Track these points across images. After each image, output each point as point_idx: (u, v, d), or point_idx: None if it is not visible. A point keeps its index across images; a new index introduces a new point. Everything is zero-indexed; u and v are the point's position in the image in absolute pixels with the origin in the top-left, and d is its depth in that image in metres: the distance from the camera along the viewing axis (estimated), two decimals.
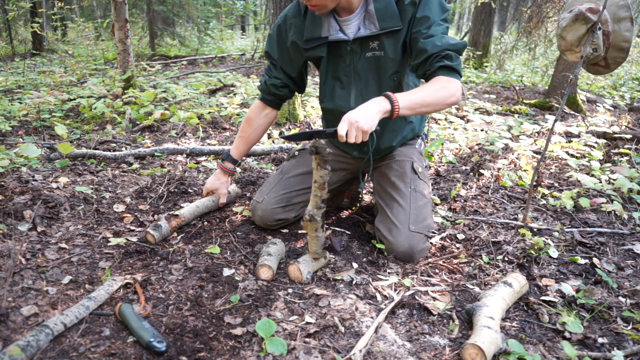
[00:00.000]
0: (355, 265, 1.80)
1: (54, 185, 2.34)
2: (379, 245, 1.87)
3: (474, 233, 2.10)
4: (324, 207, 1.60)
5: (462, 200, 2.48)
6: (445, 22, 1.71)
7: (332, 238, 1.79)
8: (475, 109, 4.82)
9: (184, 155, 3.02)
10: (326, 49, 1.81)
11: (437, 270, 1.80)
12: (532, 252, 1.89)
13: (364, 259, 1.86)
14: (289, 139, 1.61)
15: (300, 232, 2.06)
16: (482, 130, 3.73)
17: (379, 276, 1.73)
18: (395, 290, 1.65)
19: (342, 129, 1.50)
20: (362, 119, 1.49)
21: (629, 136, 3.54)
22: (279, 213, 1.98)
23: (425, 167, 2.08)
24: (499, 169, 2.97)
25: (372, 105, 1.54)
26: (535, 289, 1.69)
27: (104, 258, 1.75)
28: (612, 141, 3.65)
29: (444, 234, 2.08)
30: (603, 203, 2.38)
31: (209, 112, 4.03)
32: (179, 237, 1.94)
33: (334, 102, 1.91)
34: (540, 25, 6.24)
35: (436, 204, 2.42)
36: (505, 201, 2.51)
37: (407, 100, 1.58)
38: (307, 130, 1.59)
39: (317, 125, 3.87)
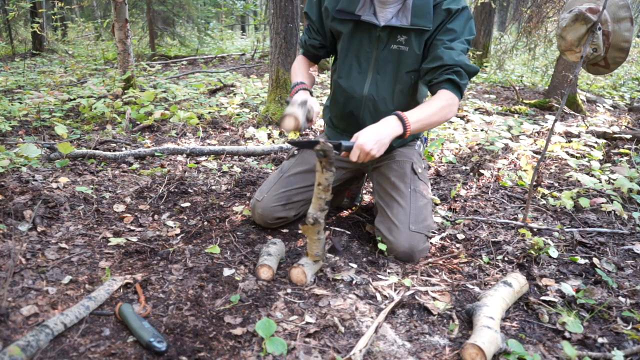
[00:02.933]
0: (355, 265, 1.80)
1: (54, 185, 2.34)
2: (380, 245, 1.86)
3: (474, 233, 2.10)
4: (327, 209, 1.59)
5: (462, 200, 2.48)
6: (468, 43, 1.76)
7: (332, 238, 1.79)
8: (475, 109, 4.83)
9: (184, 155, 3.02)
10: (352, 26, 1.82)
11: (437, 270, 1.80)
12: (532, 252, 1.89)
13: (364, 259, 1.86)
14: (295, 144, 1.62)
15: (300, 231, 2.06)
16: (482, 130, 3.73)
17: (379, 276, 1.73)
18: (395, 290, 1.65)
19: (354, 155, 1.55)
20: (376, 148, 1.54)
21: (629, 136, 3.54)
22: (279, 211, 1.98)
23: (425, 168, 2.09)
24: (499, 169, 2.97)
25: (386, 130, 1.58)
26: (535, 289, 1.69)
27: (104, 258, 1.75)
28: (612, 141, 3.65)
29: (444, 234, 2.08)
30: (603, 203, 2.38)
31: (209, 112, 4.03)
32: (179, 237, 1.94)
33: (349, 83, 1.91)
34: (540, 25, 6.24)
35: (436, 204, 2.43)
36: (505, 201, 2.51)
37: (418, 121, 1.65)
38: (312, 139, 1.58)
39: (317, 125, 3.87)
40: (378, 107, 1.89)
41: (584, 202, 2.34)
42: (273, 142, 3.41)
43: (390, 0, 1.76)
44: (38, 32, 7.62)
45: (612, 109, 5.35)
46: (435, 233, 2.08)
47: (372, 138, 1.55)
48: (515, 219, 2.27)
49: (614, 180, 2.67)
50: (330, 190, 1.56)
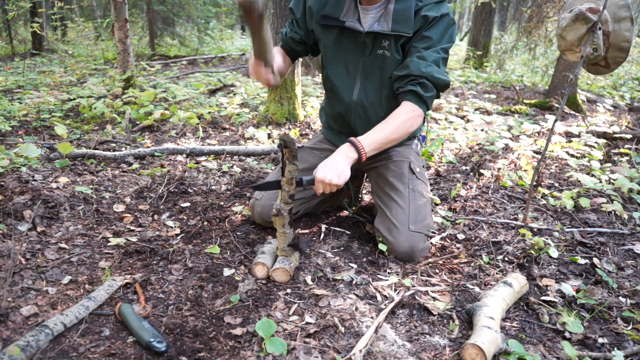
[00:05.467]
0: (355, 265, 1.80)
1: (53, 185, 2.34)
2: (381, 246, 1.86)
3: (474, 233, 2.10)
4: (291, 202, 1.61)
5: (462, 200, 2.48)
6: (445, 52, 1.73)
7: (300, 237, 1.74)
8: (476, 109, 4.82)
9: (184, 155, 3.02)
10: (337, 32, 1.81)
11: (437, 270, 1.80)
12: (532, 252, 1.89)
13: (364, 259, 1.86)
14: (259, 188, 1.70)
15: (300, 232, 2.06)
16: (482, 130, 3.73)
17: (379, 276, 1.73)
18: (395, 290, 1.65)
19: (318, 189, 1.61)
20: (335, 177, 1.58)
21: (629, 136, 3.54)
22: None
23: (423, 166, 2.08)
24: (499, 169, 2.97)
25: (341, 159, 1.62)
26: (535, 289, 1.69)
27: (104, 258, 1.75)
28: (612, 141, 3.65)
29: (444, 234, 2.08)
30: (603, 203, 2.38)
31: (209, 112, 4.03)
32: (179, 237, 1.94)
33: (339, 88, 1.91)
34: (540, 25, 6.23)
35: (436, 204, 2.42)
36: (505, 201, 2.51)
37: (373, 143, 1.67)
38: (278, 179, 1.65)
39: (317, 125, 3.86)
40: (368, 112, 1.90)
41: (584, 202, 2.34)
42: (273, 142, 3.41)
43: (372, 6, 1.74)
44: (38, 31, 7.60)
45: (612, 108, 5.35)
46: (435, 233, 2.08)
47: (329, 169, 1.59)
48: (516, 219, 2.27)
49: (614, 180, 2.67)
50: (294, 184, 1.58)
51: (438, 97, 1.79)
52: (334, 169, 1.59)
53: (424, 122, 2.09)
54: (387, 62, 1.79)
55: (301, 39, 1.94)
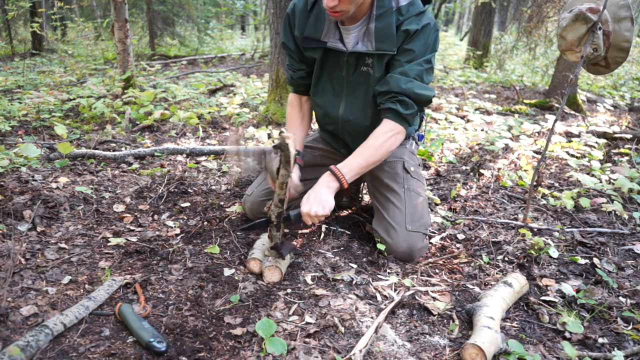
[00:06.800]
0: (355, 265, 1.80)
1: (53, 185, 2.34)
2: (379, 245, 1.86)
3: (474, 233, 2.10)
4: (281, 207, 1.60)
5: (462, 200, 2.48)
6: (428, 62, 1.71)
7: (286, 243, 1.73)
8: (476, 109, 4.82)
9: (184, 155, 3.02)
10: (322, 52, 1.81)
11: (437, 270, 1.80)
12: (532, 252, 1.89)
13: (364, 259, 1.86)
14: (248, 229, 1.72)
15: (300, 231, 2.06)
16: (482, 130, 3.73)
17: (379, 276, 1.73)
18: (395, 290, 1.65)
19: (307, 221, 1.64)
20: (320, 208, 1.61)
21: (629, 136, 3.54)
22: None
23: (419, 165, 2.08)
24: (499, 169, 2.97)
25: (323, 190, 1.65)
26: (536, 289, 1.69)
27: (103, 258, 1.75)
28: (612, 141, 3.65)
29: (444, 234, 2.08)
30: (603, 203, 2.38)
31: (209, 112, 4.03)
32: (179, 237, 1.94)
33: (324, 104, 1.92)
34: (540, 25, 6.23)
35: (436, 204, 2.42)
36: (505, 201, 2.51)
37: (353, 170, 1.68)
38: (264, 219, 1.67)
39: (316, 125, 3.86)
40: (355, 127, 1.90)
41: (585, 202, 2.34)
42: (273, 142, 3.41)
43: (352, 25, 1.72)
44: (38, 31, 7.60)
45: (612, 108, 5.35)
46: (435, 233, 2.08)
47: (313, 201, 1.61)
48: (516, 219, 2.27)
49: (614, 180, 2.67)
50: (285, 190, 1.57)
51: (422, 111, 1.76)
52: (318, 200, 1.61)
53: (422, 121, 2.09)
54: (371, 80, 1.78)
55: (306, 72, 1.94)
